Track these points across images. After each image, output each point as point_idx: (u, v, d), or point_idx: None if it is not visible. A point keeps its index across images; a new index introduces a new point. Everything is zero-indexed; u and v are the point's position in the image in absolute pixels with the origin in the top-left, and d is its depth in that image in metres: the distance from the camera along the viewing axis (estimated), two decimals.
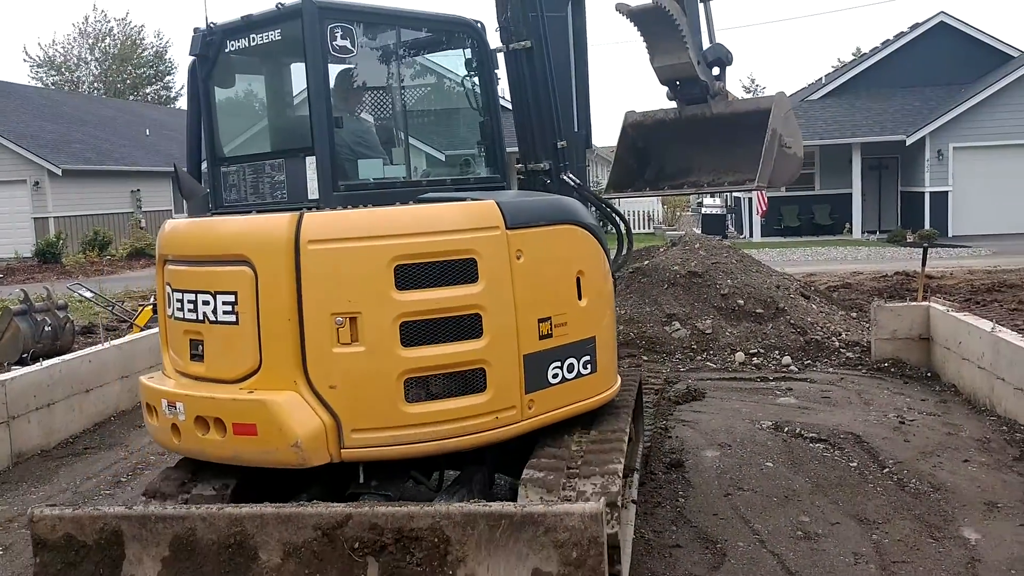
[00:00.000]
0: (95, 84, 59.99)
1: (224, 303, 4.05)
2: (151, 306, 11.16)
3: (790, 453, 6.19)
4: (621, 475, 4.09)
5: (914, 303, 8.96)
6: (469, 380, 4.04)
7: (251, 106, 5.33)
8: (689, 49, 6.95)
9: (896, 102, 28.03)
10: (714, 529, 5.02)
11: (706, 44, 7.36)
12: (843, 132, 26.95)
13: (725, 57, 7.34)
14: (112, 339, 9.08)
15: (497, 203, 4.18)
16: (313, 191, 4.32)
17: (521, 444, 4.32)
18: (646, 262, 10.57)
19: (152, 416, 4.37)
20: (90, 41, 60.11)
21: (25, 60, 59.59)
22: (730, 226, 30.85)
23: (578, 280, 4.51)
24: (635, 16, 6.94)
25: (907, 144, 25.73)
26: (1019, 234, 24.19)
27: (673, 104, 7.39)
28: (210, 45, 4.71)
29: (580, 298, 4.50)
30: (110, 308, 11.80)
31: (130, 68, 61.50)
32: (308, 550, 3.57)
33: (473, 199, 4.29)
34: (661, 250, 11.11)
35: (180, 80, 62.11)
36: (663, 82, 7.31)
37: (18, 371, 7.26)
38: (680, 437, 6.64)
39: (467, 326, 4.03)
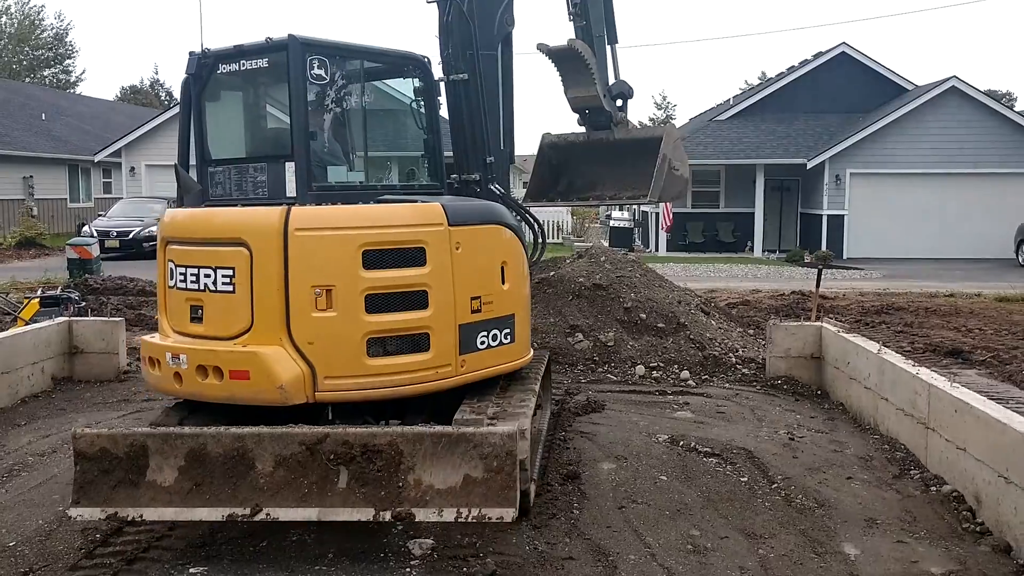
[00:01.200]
0: None
1: (223, 276, 5.11)
2: (38, 299, 10.68)
3: (684, 467, 6.29)
4: (529, 418, 5.40)
5: (808, 323, 9.25)
6: (417, 341, 5.21)
7: (236, 118, 6.32)
8: (597, 84, 8.58)
9: (799, 126, 29.08)
10: (607, 542, 5.06)
11: (612, 80, 9.02)
12: (748, 153, 27.80)
13: (627, 92, 9.03)
14: None
15: (442, 205, 5.38)
16: (291, 190, 5.42)
17: (451, 399, 5.47)
18: (552, 273, 10.63)
19: (154, 367, 5.40)
20: None
21: None
22: (637, 240, 31.40)
23: (502, 268, 5.75)
24: (553, 55, 8.55)
25: (808, 167, 26.70)
26: (907, 259, 25.36)
27: (583, 129, 9.04)
28: (204, 67, 5.77)
29: (504, 283, 5.74)
30: None
31: (27, 49, 58.87)
32: (294, 460, 4.67)
33: (423, 201, 5.46)
34: (568, 261, 11.20)
35: (81, 64, 59.92)
36: (574, 110, 8.98)
37: None
38: (578, 449, 6.68)
39: (416, 299, 5.19)
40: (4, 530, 5.27)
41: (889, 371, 7.00)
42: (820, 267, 10.42)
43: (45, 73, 60.31)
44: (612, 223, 32.01)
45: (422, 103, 6.19)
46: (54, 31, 60.15)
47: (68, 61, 61.82)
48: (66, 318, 9.32)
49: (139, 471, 4.72)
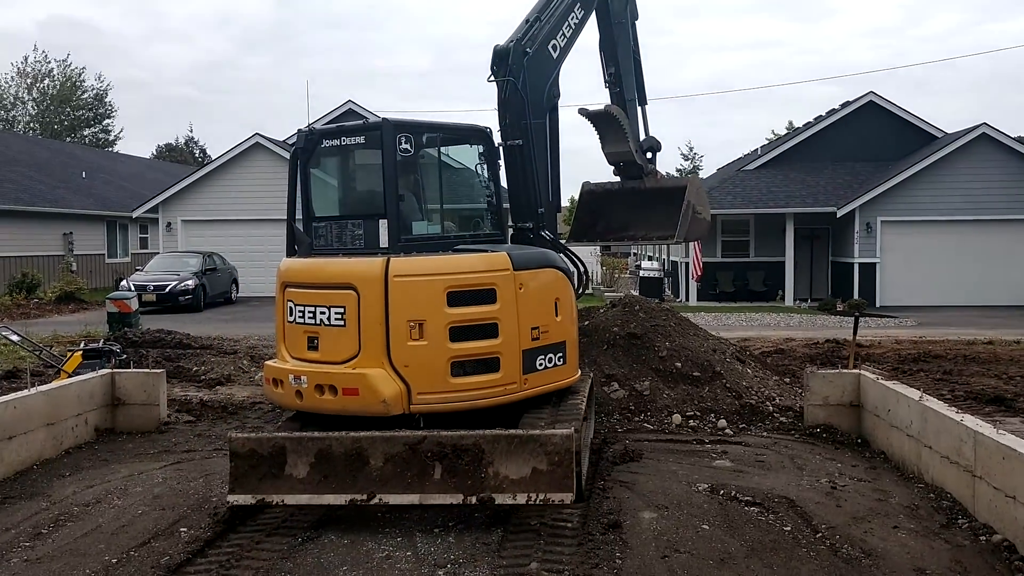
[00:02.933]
0: (31, 124, 58.84)
1: (336, 313, 6.41)
2: (81, 351, 10.85)
3: (726, 516, 6.24)
4: (581, 422, 6.63)
5: (845, 371, 9.18)
6: (489, 364, 6.46)
7: (336, 183, 7.68)
8: (629, 141, 10.15)
9: (827, 175, 29.07)
10: None
11: (642, 136, 10.64)
12: (777, 202, 27.79)
13: (656, 146, 10.68)
14: (39, 385, 8.77)
15: (508, 254, 6.69)
16: (384, 242, 6.70)
17: (516, 410, 6.67)
18: (586, 322, 10.66)
19: (277, 387, 6.73)
20: (28, 81, 59.07)
21: None
22: (667, 289, 31.32)
23: (556, 303, 7.07)
24: (591, 117, 10.15)
25: (838, 216, 26.62)
26: (941, 306, 25.10)
27: (617, 178, 10.66)
28: (310, 141, 7.14)
29: (557, 315, 7.04)
30: (37, 352, 11.43)
31: (68, 110, 60.51)
32: (400, 457, 5.95)
33: (492, 250, 6.78)
34: (601, 311, 11.21)
35: (119, 123, 61.39)
36: (610, 163, 10.57)
37: None
38: (618, 498, 6.65)
39: (489, 330, 6.46)
40: None
41: (932, 418, 6.93)
42: (857, 315, 10.35)
43: (85, 133, 61.88)
44: (642, 273, 31.98)
45: (485, 165, 7.57)
46: (94, 91, 61.85)
47: (107, 121, 63.42)
48: (108, 370, 9.46)
49: (279, 466, 6.04)
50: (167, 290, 24.23)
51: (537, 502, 5.89)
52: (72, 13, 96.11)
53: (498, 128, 7.95)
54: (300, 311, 6.65)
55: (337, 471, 6.02)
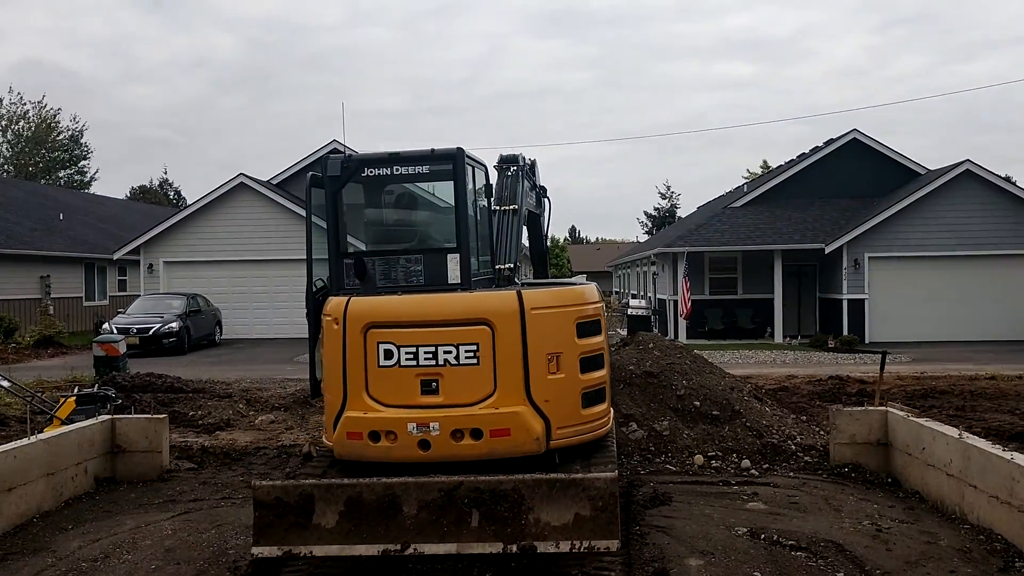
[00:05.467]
0: (6, 166, 58.15)
1: (466, 351, 5.95)
2: (74, 397, 10.43)
3: (775, 562, 5.98)
4: (617, 463, 6.60)
5: (872, 408, 8.98)
6: (601, 393, 6.46)
7: (375, 215, 7.16)
8: None
9: (814, 212, 29.20)
10: None
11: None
12: (765, 238, 27.84)
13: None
14: (32, 432, 8.35)
15: (593, 287, 6.85)
16: (454, 277, 6.44)
17: (541, 457, 6.11)
18: None
19: (386, 439, 6.01)
20: (3, 123, 58.47)
21: None
22: (655, 328, 31.18)
23: None
24: None
25: (826, 252, 26.68)
26: (931, 342, 25.10)
27: None
28: (346, 169, 6.67)
29: None
30: (28, 399, 10.98)
31: (43, 151, 59.90)
32: (435, 504, 5.51)
33: (579, 284, 6.91)
34: (613, 349, 10.99)
35: (95, 164, 60.76)
36: None
37: None
38: (657, 544, 6.37)
39: (600, 361, 6.46)
40: None
41: (976, 456, 6.73)
42: (884, 352, 10.17)
43: (60, 174, 61.21)
44: (629, 311, 31.82)
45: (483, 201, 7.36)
46: (70, 132, 61.31)
47: (83, 162, 62.81)
48: (108, 416, 9.07)
49: (307, 515, 5.60)
50: (151, 333, 23.73)
51: (581, 550, 5.45)
52: (44, 56, 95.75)
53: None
54: (408, 352, 6.01)
55: (368, 520, 5.58)
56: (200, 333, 26.03)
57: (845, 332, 25.98)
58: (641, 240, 69.33)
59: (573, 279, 7.33)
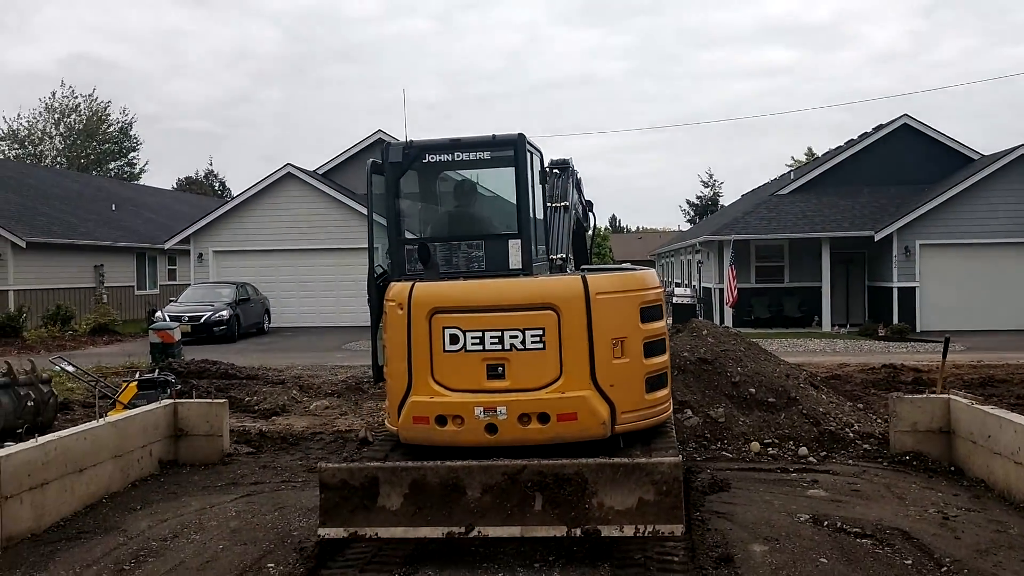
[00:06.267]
0: (58, 158, 59.34)
1: (532, 336, 5.94)
2: (135, 382, 10.67)
3: (841, 549, 5.92)
4: (679, 449, 6.66)
5: (934, 395, 8.85)
6: (663, 378, 6.45)
7: (443, 201, 7.23)
8: None
9: (862, 199, 28.75)
10: None
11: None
12: (813, 226, 27.50)
13: None
14: (94, 416, 8.54)
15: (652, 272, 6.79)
16: (515, 263, 6.47)
17: (603, 442, 6.08)
18: None
19: (453, 424, 6.01)
20: (56, 116, 59.63)
21: None
22: (699, 316, 30.97)
23: None
24: None
25: (876, 239, 26.27)
26: (983, 331, 24.58)
27: None
28: (407, 156, 6.68)
29: None
30: (93, 384, 11.24)
31: (95, 143, 61.00)
32: (498, 488, 5.60)
33: (638, 269, 6.89)
34: None
35: (144, 156, 61.86)
36: None
37: (12, 447, 6.75)
38: (719, 530, 6.34)
39: (662, 346, 6.44)
40: None
41: None
42: (947, 338, 10.00)
43: (111, 166, 62.31)
44: (675, 300, 31.68)
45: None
46: (119, 125, 62.35)
47: (133, 154, 63.87)
48: (170, 400, 9.25)
49: (372, 498, 5.71)
50: (202, 321, 24.13)
51: (646, 534, 5.51)
52: (92, 50, 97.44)
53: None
54: (474, 337, 5.99)
55: (432, 503, 5.66)
56: (249, 321, 26.41)
57: (895, 321, 25.59)
58: (683, 229, 68.83)
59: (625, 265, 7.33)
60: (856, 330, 26.40)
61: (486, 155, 6.64)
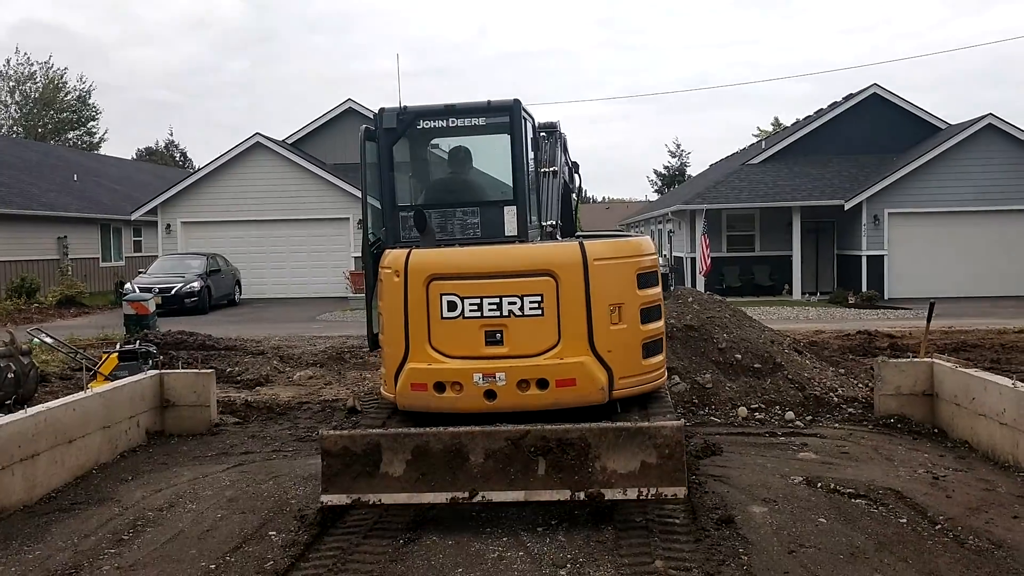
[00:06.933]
0: (15, 127, 57.93)
1: (531, 302, 5.91)
2: (116, 353, 10.51)
3: (838, 509, 6.02)
4: (677, 413, 6.80)
5: (917, 359, 9.00)
6: (659, 344, 6.48)
7: (433, 168, 7.17)
8: None
9: (833, 168, 29.00)
10: None
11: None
12: (783, 195, 27.70)
13: None
14: (73, 388, 8.42)
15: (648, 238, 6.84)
16: (511, 230, 6.49)
17: (600, 408, 6.10)
18: None
19: (451, 390, 5.96)
20: (11, 84, 58.14)
21: None
22: (672, 284, 31.15)
23: None
24: None
25: (845, 208, 26.55)
26: (951, 297, 24.93)
27: None
28: (402, 122, 6.63)
29: None
30: (73, 355, 11.07)
31: (52, 112, 59.62)
32: (501, 453, 5.62)
33: (634, 235, 7.26)
34: None
35: (104, 124, 60.46)
36: None
37: (2, 418, 6.63)
38: (717, 492, 6.42)
39: (659, 312, 6.47)
40: None
41: None
42: (932, 302, 10.19)
43: (69, 135, 60.99)
44: None
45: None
46: (77, 93, 60.97)
47: (92, 123, 62.53)
48: (156, 371, 9.13)
49: (374, 464, 5.69)
50: (172, 292, 23.82)
51: (649, 497, 5.57)
52: (43, 17, 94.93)
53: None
54: (472, 304, 5.94)
55: (435, 468, 5.65)
56: (220, 293, 26.12)
57: (864, 288, 25.95)
58: (651, 199, 69.01)
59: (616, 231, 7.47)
60: (826, 298, 26.75)
61: (481, 121, 6.60)
